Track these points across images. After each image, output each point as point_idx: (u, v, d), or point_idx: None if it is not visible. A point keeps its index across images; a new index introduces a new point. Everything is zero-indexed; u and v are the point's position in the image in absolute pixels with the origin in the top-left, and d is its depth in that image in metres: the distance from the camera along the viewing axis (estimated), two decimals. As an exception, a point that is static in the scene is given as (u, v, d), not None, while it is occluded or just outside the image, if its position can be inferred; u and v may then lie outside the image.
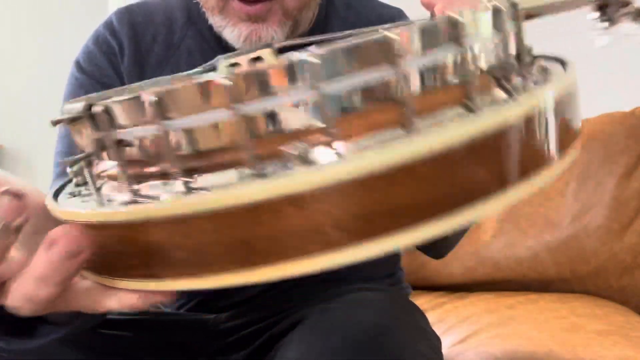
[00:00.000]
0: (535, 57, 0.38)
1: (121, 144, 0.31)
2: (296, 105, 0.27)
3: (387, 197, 0.26)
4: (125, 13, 0.75)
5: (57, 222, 0.33)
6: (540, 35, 0.52)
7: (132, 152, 0.31)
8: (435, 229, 0.27)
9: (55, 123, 0.34)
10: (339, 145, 0.27)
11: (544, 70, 0.37)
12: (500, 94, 0.32)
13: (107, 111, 0.30)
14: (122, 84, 0.72)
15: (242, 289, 0.70)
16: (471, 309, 1.21)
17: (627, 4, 0.47)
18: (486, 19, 0.31)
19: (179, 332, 0.71)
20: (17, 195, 0.32)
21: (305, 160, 0.27)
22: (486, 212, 0.28)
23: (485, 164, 0.27)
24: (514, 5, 0.33)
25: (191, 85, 0.27)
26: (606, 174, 1.29)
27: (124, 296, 0.33)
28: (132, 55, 0.73)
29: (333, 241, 0.26)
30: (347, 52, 0.27)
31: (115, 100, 0.30)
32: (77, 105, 0.32)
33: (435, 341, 0.60)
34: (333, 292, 0.65)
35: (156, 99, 0.28)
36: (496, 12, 0.32)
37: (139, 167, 0.31)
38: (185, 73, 0.57)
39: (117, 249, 0.31)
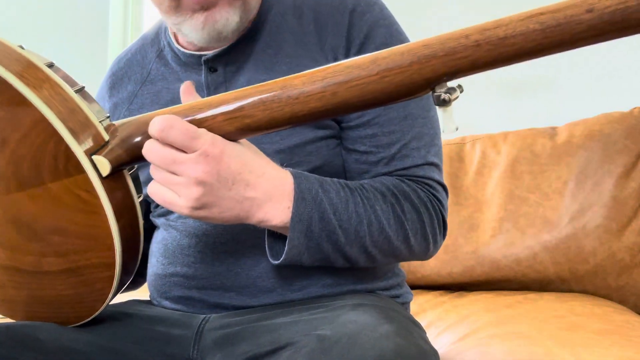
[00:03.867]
0: None
1: None
2: None
3: None
4: (115, 61, 0.90)
5: None
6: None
7: None
8: None
9: None
10: None
11: None
12: None
13: None
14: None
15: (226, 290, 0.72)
16: (470, 308, 1.21)
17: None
18: None
19: (169, 327, 0.72)
20: None
21: None
22: None
23: None
24: None
25: None
26: (605, 173, 1.29)
27: None
28: (109, 99, 0.88)
29: None
30: None
31: None
32: None
33: (434, 358, 0.59)
34: (320, 309, 0.66)
35: None
36: None
37: None
38: None
39: None
